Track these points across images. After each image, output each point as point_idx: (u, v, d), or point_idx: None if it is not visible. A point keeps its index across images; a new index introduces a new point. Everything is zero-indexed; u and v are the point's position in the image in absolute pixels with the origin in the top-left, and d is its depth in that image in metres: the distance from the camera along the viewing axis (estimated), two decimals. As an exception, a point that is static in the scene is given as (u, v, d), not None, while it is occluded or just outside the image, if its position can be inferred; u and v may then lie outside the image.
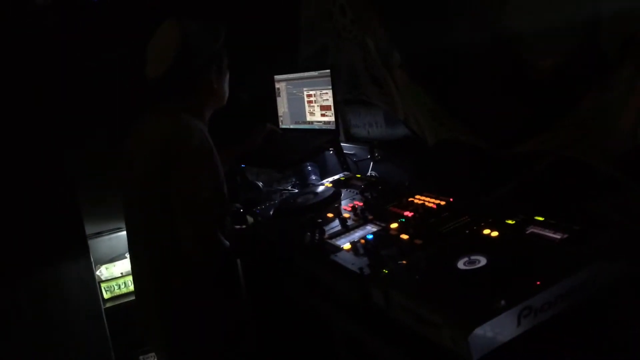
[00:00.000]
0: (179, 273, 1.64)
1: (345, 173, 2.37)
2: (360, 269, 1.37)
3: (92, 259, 2.70)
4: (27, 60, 2.45)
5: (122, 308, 2.78)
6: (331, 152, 2.57)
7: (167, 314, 1.68)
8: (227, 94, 1.82)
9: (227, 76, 1.83)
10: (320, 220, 1.74)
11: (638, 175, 1.31)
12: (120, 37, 2.68)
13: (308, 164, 2.60)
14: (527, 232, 1.34)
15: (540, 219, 1.37)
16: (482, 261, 1.23)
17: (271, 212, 2.01)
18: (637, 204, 1.30)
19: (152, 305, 1.71)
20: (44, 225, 2.47)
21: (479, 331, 1.00)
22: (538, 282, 1.09)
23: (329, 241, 1.62)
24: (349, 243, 1.55)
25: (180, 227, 1.57)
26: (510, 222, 1.41)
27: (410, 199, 1.78)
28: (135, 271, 1.79)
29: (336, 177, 2.32)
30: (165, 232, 1.60)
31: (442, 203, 1.68)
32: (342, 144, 2.56)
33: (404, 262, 1.34)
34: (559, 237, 1.26)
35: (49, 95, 2.51)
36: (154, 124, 1.68)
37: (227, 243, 1.68)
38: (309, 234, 1.68)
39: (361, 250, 1.48)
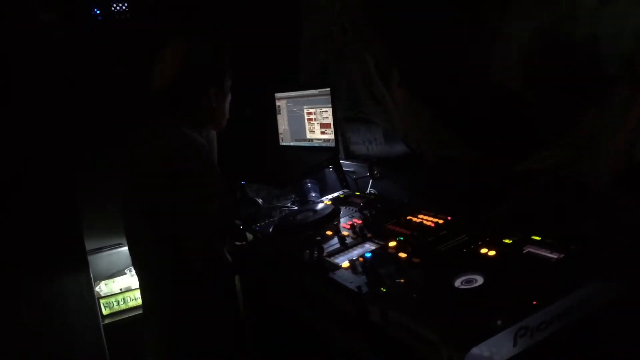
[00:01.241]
0: (184, 287, 1.64)
1: (345, 190, 2.38)
2: (359, 287, 1.38)
3: (91, 275, 2.70)
4: (32, 76, 2.47)
5: (121, 324, 2.77)
6: (331, 169, 2.58)
7: (171, 325, 1.68)
8: (227, 116, 1.83)
9: (229, 97, 1.84)
10: (319, 238, 1.75)
11: (634, 194, 1.32)
12: (126, 54, 2.72)
13: (308, 181, 2.61)
14: (524, 251, 1.35)
15: (537, 238, 1.38)
16: (479, 280, 1.24)
17: (270, 229, 2.01)
18: (633, 223, 1.31)
19: (157, 318, 1.72)
20: (44, 241, 2.47)
21: (475, 350, 1.01)
22: (534, 302, 1.09)
23: (328, 259, 1.63)
24: (347, 261, 1.56)
25: (186, 241, 1.57)
26: (507, 241, 1.42)
27: (409, 218, 1.79)
28: (141, 284, 1.80)
29: (335, 194, 2.33)
30: (170, 246, 1.60)
31: (440, 222, 1.69)
32: (341, 161, 2.57)
33: (402, 280, 1.35)
34: (555, 256, 1.27)
35: (48, 111, 2.53)
36: (155, 139, 1.69)
37: (229, 257, 1.69)
38: (307, 251, 1.68)
39: (359, 269, 1.49)
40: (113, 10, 2.58)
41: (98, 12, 2.59)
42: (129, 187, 1.72)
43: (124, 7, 2.60)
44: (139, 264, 1.76)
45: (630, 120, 1.33)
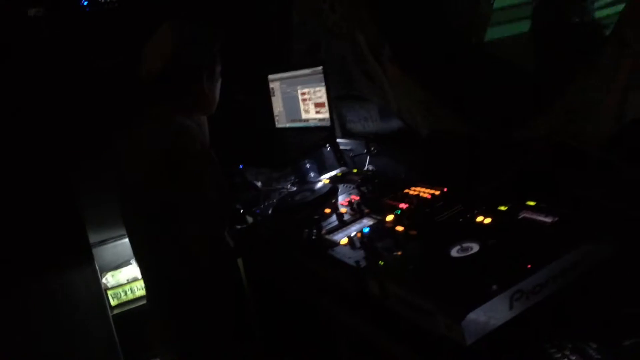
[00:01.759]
0: (186, 274, 1.65)
1: (342, 168, 2.38)
2: (357, 262, 1.39)
3: (97, 267, 2.72)
4: (24, 72, 2.47)
5: (129, 314, 2.81)
6: (328, 148, 2.59)
7: (175, 314, 1.70)
8: (217, 101, 1.82)
9: (219, 83, 1.83)
10: (317, 217, 1.76)
11: (625, 155, 1.32)
12: (116, 45, 2.70)
13: (306, 161, 2.62)
14: (519, 217, 1.35)
15: (532, 203, 1.39)
16: (475, 248, 1.25)
17: (270, 211, 2.03)
18: (625, 185, 1.31)
19: (164, 307, 1.74)
20: (48, 235, 2.49)
21: (472, 316, 1.02)
22: (529, 266, 1.10)
23: (327, 237, 1.64)
24: (345, 237, 1.57)
25: (188, 229, 1.58)
26: (502, 208, 1.42)
27: (406, 191, 1.79)
28: (144, 274, 1.82)
29: (333, 173, 2.33)
30: (170, 235, 1.61)
31: (437, 193, 1.70)
32: (338, 139, 2.57)
33: (399, 253, 1.36)
34: (549, 220, 1.28)
35: (46, 105, 2.54)
36: (149, 128, 1.69)
37: (232, 242, 1.70)
38: (306, 230, 1.70)
39: (357, 244, 1.50)
40: (100, 1, 2.57)
41: (86, 3, 2.57)
42: (124, 179, 1.73)
43: (111, -3, 2.59)
44: (140, 255, 1.78)
45: (618, 81, 1.32)
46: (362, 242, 1.49)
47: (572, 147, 1.48)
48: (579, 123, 1.44)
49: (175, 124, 1.63)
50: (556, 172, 1.50)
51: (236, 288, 1.90)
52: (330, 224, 1.73)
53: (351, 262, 1.40)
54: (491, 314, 1.05)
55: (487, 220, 1.38)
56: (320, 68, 2.39)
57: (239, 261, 2.13)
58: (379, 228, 1.58)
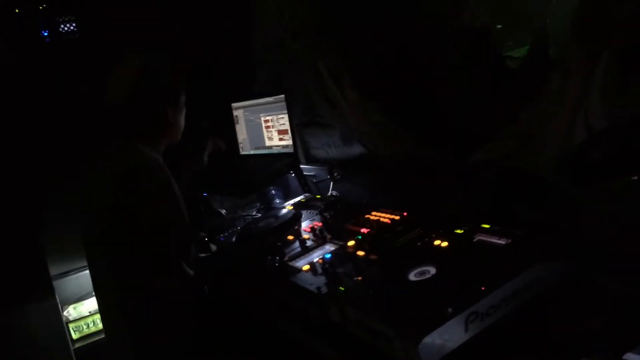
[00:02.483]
0: (148, 306, 1.63)
1: (306, 194, 2.40)
2: (318, 288, 1.40)
3: (58, 300, 2.66)
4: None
5: (92, 346, 2.74)
6: (292, 174, 2.61)
7: (138, 345, 1.67)
8: (181, 129, 1.84)
9: (184, 112, 1.84)
10: (279, 244, 1.77)
11: (573, 178, 1.37)
12: (78, 75, 2.69)
13: (271, 188, 2.62)
14: (475, 240, 1.39)
15: (487, 226, 1.43)
16: (432, 271, 1.28)
17: (233, 239, 2.03)
18: (573, 206, 1.36)
19: (123, 337, 1.71)
20: (6, 267, 2.43)
21: (427, 340, 1.04)
22: (483, 288, 1.13)
23: (290, 263, 1.65)
24: (307, 264, 1.58)
25: (141, 256, 1.57)
26: (459, 231, 1.46)
27: (367, 216, 1.82)
28: (102, 306, 1.79)
29: (297, 199, 2.35)
30: (131, 266, 1.60)
31: (397, 218, 1.73)
32: (302, 165, 2.60)
33: (359, 278, 1.38)
34: (503, 242, 1.32)
35: (11, 133, 2.50)
36: (111, 157, 1.68)
37: (191, 272, 1.69)
38: (269, 257, 1.70)
39: (319, 270, 1.51)
40: (61, 31, 2.56)
41: (46, 33, 2.56)
42: (86, 207, 1.72)
43: (72, 27, 2.58)
44: (98, 283, 1.75)
45: (565, 108, 1.38)
46: (324, 268, 1.50)
47: (524, 171, 1.53)
48: (529, 149, 1.49)
49: (137, 152, 1.64)
50: (509, 194, 1.55)
51: (198, 315, 1.88)
52: (293, 250, 1.74)
53: (312, 288, 1.41)
54: (447, 336, 1.07)
55: (444, 244, 1.41)
56: (282, 96, 2.42)
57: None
58: (341, 253, 1.60)
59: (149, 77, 1.69)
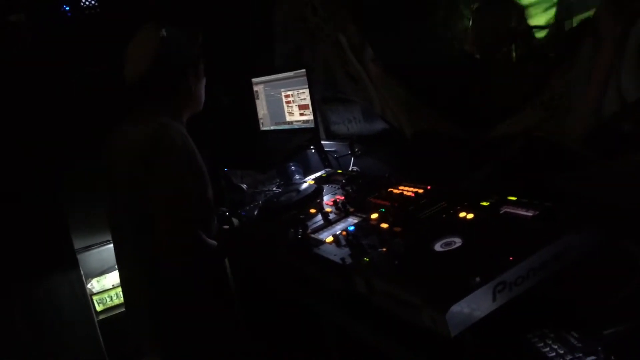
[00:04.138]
0: (168, 275, 1.64)
1: (327, 170, 2.40)
2: (342, 259, 1.40)
3: (82, 273, 2.70)
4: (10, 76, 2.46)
5: (115, 319, 2.79)
6: (312, 150, 2.60)
7: (158, 316, 1.69)
8: (203, 98, 1.84)
9: (204, 81, 1.84)
10: (302, 217, 1.77)
11: (603, 150, 1.35)
12: (102, 49, 2.69)
13: (291, 163, 2.63)
14: (501, 212, 1.38)
15: (513, 198, 1.41)
16: (458, 242, 1.27)
17: (255, 213, 2.03)
18: (603, 178, 1.34)
19: (144, 309, 1.72)
20: (32, 241, 2.47)
21: (455, 308, 1.04)
22: (511, 258, 1.12)
23: (312, 236, 1.65)
24: (331, 236, 1.58)
25: (160, 224, 1.56)
26: (485, 203, 1.45)
27: (390, 190, 1.81)
28: (124, 277, 1.81)
29: (318, 174, 2.35)
30: (149, 233, 1.59)
31: (420, 191, 1.72)
32: (322, 141, 2.59)
33: (384, 249, 1.38)
34: (530, 214, 1.30)
35: (34, 112, 2.52)
36: (133, 128, 1.68)
37: (214, 242, 1.68)
38: (292, 230, 1.70)
39: (343, 242, 1.52)
40: (82, 6, 2.55)
41: (67, 8, 2.56)
42: (110, 179, 1.73)
43: (93, 2, 2.57)
44: (121, 255, 1.77)
45: (595, 78, 1.35)
46: (348, 240, 1.50)
47: (551, 142, 1.51)
48: (556, 120, 1.47)
49: (160, 122, 1.63)
50: (537, 165, 1.53)
51: (222, 288, 1.90)
52: (315, 223, 1.75)
53: (337, 259, 1.41)
54: (475, 305, 1.06)
55: (470, 216, 1.40)
56: (303, 71, 2.41)
57: (226, 261, 2.13)
58: (364, 226, 1.59)
59: (169, 46, 1.68)
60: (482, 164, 1.71)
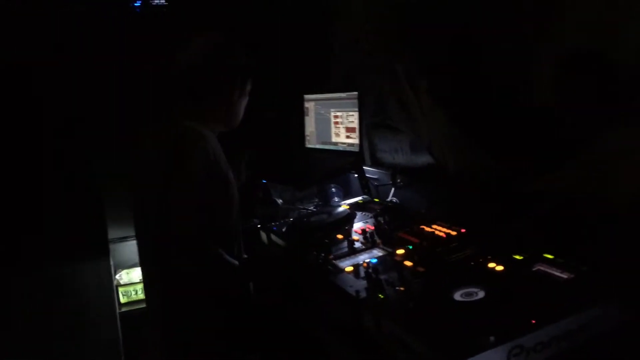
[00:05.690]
0: (176, 286, 1.61)
1: (365, 197, 2.34)
2: (357, 291, 1.34)
3: (112, 263, 2.74)
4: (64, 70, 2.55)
5: (136, 314, 2.80)
6: (355, 174, 2.55)
7: (169, 320, 1.67)
8: (240, 118, 1.79)
9: (246, 100, 1.81)
10: (327, 241, 1.72)
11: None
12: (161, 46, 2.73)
13: (332, 185, 2.59)
14: (534, 269, 1.28)
15: (550, 256, 1.31)
16: (480, 294, 1.19)
17: (284, 229, 2.00)
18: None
19: (157, 314, 1.72)
20: (67, 225, 2.52)
21: (462, 366, 0.96)
22: (533, 321, 1.03)
23: (334, 262, 1.59)
24: (351, 265, 1.52)
25: (174, 238, 1.50)
26: (517, 257, 1.35)
27: (422, 227, 1.73)
28: (144, 275, 1.80)
29: (355, 199, 2.29)
30: (160, 242, 1.57)
31: (453, 233, 1.63)
32: (366, 167, 2.54)
33: (402, 288, 1.30)
34: (565, 276, 1.21)
35: (75, 101, 2.59)
36: (161, 129, 1.67)
37: (234, 262, 1.63)
38: (315, 253, 1.65)
39: (362, 274, 1.45)
40: (152, 4, 2.62)
41: (138, 4, 2.63)
42: (133, 182, 1.73)
43: (162, 1, 2.64)
44: (140, 259, 1.77)
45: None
46: (367, 272, 1.44)
47: (593, 204, 1.40)
48: (602, 181, 1.36)
49: (187, 125, 1.60)
50: (576, 225, 1.42)
51: (240, 302, 1.85)
52: (340, 249, 1.69)
53: (351, 291, 1.35)
54: (485, 366, 0.98)
55: (499, 268, 1.31)
56: (355, 93, 2.38)
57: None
58: (387, 260, 1.53)
59: (223, 52, 1.68)
60: (521, 214, 1.61)
